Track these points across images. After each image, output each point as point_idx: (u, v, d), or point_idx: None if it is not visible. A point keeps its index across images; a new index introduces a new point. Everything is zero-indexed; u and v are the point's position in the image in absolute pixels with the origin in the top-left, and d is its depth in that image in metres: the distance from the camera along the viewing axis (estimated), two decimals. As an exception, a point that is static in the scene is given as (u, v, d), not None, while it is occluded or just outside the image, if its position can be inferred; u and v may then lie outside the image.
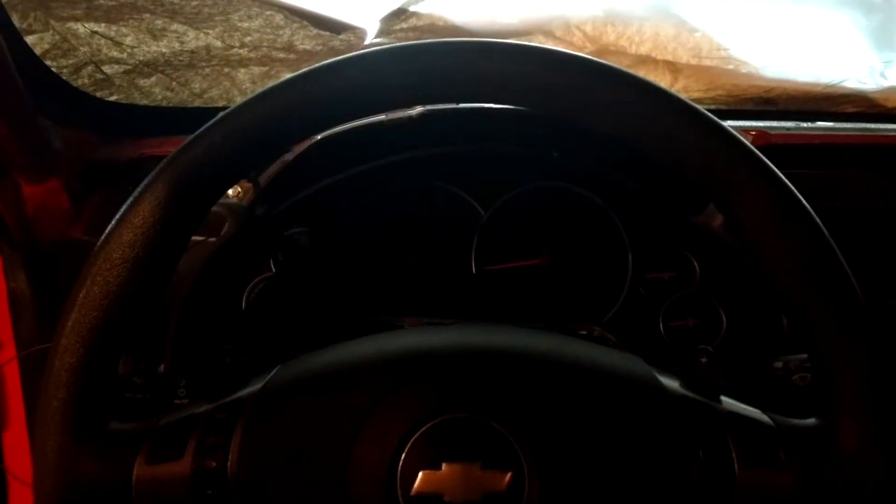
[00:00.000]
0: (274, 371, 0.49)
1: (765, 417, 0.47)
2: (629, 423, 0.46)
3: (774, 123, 0.96)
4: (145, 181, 0.46)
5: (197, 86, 1.05)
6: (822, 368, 0.45)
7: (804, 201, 0.44)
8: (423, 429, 0.44)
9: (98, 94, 1.01)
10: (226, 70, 1.04)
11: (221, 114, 0.47)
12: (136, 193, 0.46)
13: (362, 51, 0.47)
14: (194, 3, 1.00)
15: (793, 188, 0.44)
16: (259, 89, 0.47)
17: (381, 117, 0.73)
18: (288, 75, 0.47)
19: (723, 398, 0.48)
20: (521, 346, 0.49)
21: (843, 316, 0.44)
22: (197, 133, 0.46)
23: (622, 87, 0.45)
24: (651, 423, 0.46)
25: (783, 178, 0.44)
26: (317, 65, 0.47)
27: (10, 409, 0.88)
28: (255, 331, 0.79)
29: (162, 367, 0.68)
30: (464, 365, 0.47)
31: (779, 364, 0.65)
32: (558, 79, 0.45)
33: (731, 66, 1.16)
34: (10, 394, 0.89)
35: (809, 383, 0.63)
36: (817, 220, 0.44)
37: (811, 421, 0.46)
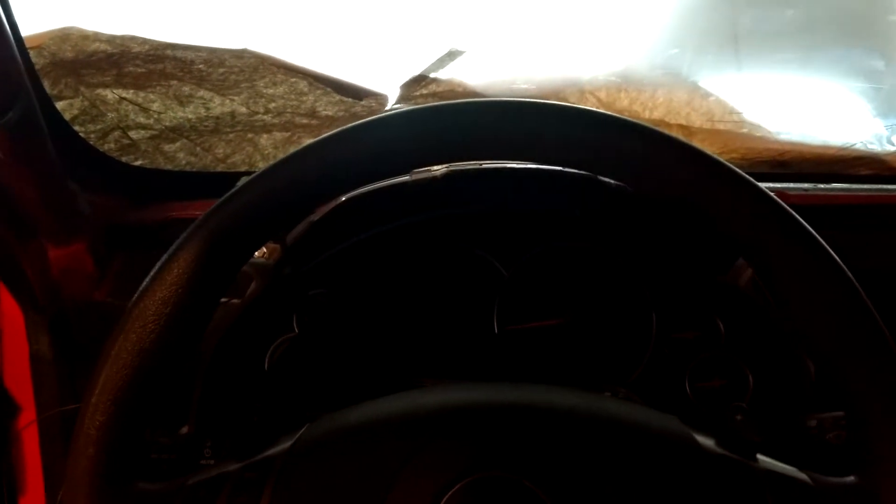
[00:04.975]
0: (303, 429, 0.49)
1: (802, 475, 0.46)
2: (666, 482, 0.45)
3: (791, 185, 0.97)
4: (179, 239, 0.46)
5: (220, 151, 1.07)
6: (861, 426, 0.45)
7: (839, 260, 0.44)
8: (456, 487, 0.43)
9: (124, 159, 1.04)
10: (249, 135, 1.06)
11: (251, 175, 0.47)
12: (170, 251, 0.46)
13: (386, 113, 0.48)
14: (221, 71, 1.03)
15: (827, 246, 0.44)
16: (288, 152, 0.48)
17: (405, 178, 0.74)
18: (318, 137, 0.47)
19: (759, 456, 0.47)
20: (554, 404, 0.48)
21: (881, 375, 0.43)
22: (230, 193, 0.47)
23: (652, 144, 0.46)
24: (689, 482, 0.45)
25: (815, 234, 0.45)
26: (346, 126, 0.48)
27: (27, 474, 0.87)
28: (279, 390, 0.78)
29: (185, 428, 0.68)
30: (497, 422, 0.46)
31: (812, 422, 0.64)
32: (591, 136, 0.46)
33: (744, 130, 1.17)
34: (28, 458, 0.88)
35: (844, 442, 0.62)
36: (853, 279, 0.44)
37: (850, 479, 0.45)
